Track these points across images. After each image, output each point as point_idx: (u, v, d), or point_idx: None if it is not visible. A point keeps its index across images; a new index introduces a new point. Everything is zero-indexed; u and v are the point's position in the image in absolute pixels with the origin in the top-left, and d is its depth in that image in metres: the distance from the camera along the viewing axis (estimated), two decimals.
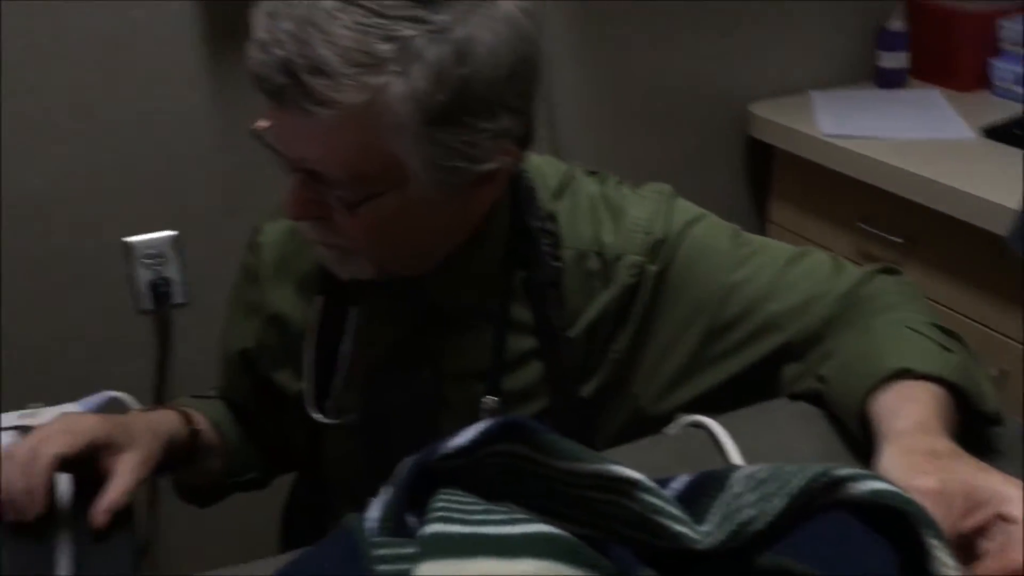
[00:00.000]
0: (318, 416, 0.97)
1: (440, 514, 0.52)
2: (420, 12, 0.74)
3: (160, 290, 1.58)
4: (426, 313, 0.94)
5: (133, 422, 0.93)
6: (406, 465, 0.55)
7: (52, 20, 1.40)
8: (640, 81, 1.81)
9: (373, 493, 1.01)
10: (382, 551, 0.51)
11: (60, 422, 0.88)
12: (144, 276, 1.58)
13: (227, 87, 1.54)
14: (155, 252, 1.58)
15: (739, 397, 0.92)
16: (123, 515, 0.90)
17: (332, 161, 0.78)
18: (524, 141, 0.84)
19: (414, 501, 0.55)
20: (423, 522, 0.52)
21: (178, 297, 1.60)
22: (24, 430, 1.03)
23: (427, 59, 0.74)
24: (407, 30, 0.73)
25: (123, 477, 0.86)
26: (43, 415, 1.09)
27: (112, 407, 1.10)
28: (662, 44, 1.81)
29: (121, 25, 1.44)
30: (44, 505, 0.84)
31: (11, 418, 1.08)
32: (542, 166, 0.94)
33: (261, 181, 1.60)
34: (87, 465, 0.87)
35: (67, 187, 1.48)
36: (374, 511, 0.54)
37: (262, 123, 0.83)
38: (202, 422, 1.04)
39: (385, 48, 0.73)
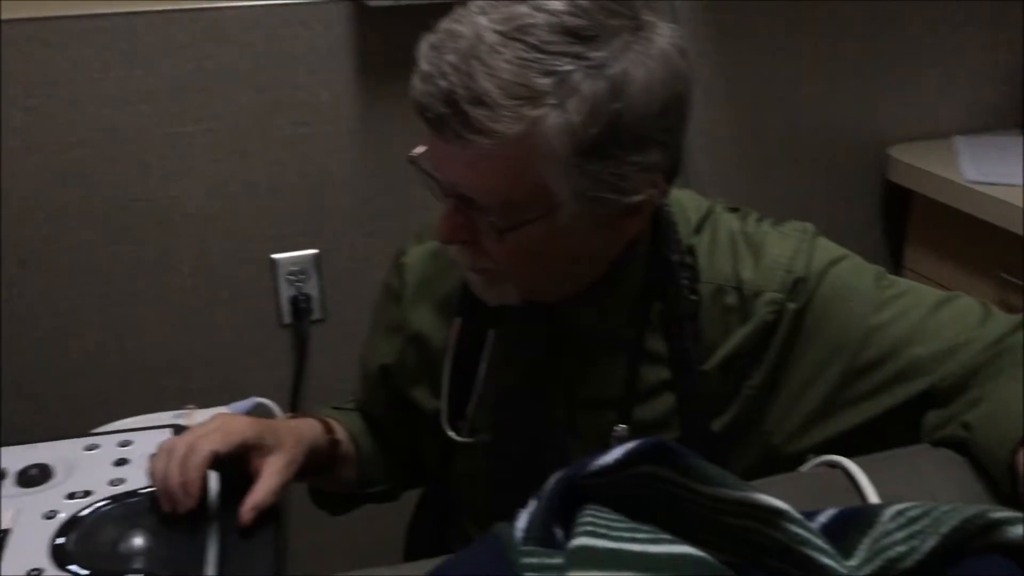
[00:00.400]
0: (451, 434, 1.01)
1: (587, 528, 0.54)
2: (578, 48, 0.77)
3: (300, 305, 1.66)
4: (561, 340, 0.96)
5: (280, 427, 0.98)
6: (554, 480, 0.57)
7: (217, 48, 1.49)
8: (778, 120, 1.81)
9: (499, 511, 1.03)
10: (530, 559, 0.53)
11: (216, 422, 0.94)
12: (287, 292, 1.65)
13: (373, 116, 1.61)
14: (298, 269, 1.65)
15: (874, 441, 0.90)
16: (268, 515, 0.95)
17: (485, 187, 0.81)
18: (670, 175, 0.86)
19: (559, 515, 0.57)
20: (570, 535, 0.54)
21: (316, 313, 1.67)
22: (178, 429, 1.10)
23: (583, 93, 0.77)
24: (566, 65, 0.76)
25: (270, 478, 0.91)
26: (196, 416, 1.16)
27: (259, 412, 1.17)
28: (802, 84, 1.80)
29: (282, 55, 1.52)
30: (197, 498, 0.90)
31: (166, 417, 1.15)
32: (683, 200, 0.96)
33: (398, 206, 1.67)
34: (236, 465, 0.93)
35: (222, 204, 1.58)
36: (521, 522, 0.57)
37: (419, 150, 0.87)
38: (341, 432, 1.08)
39: (544, 82, 0.76)
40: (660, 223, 0.92)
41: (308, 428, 1.02)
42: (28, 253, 1.50)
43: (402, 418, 1.11)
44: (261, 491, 0.91)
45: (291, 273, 1.65)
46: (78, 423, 1.56)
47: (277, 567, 0.91)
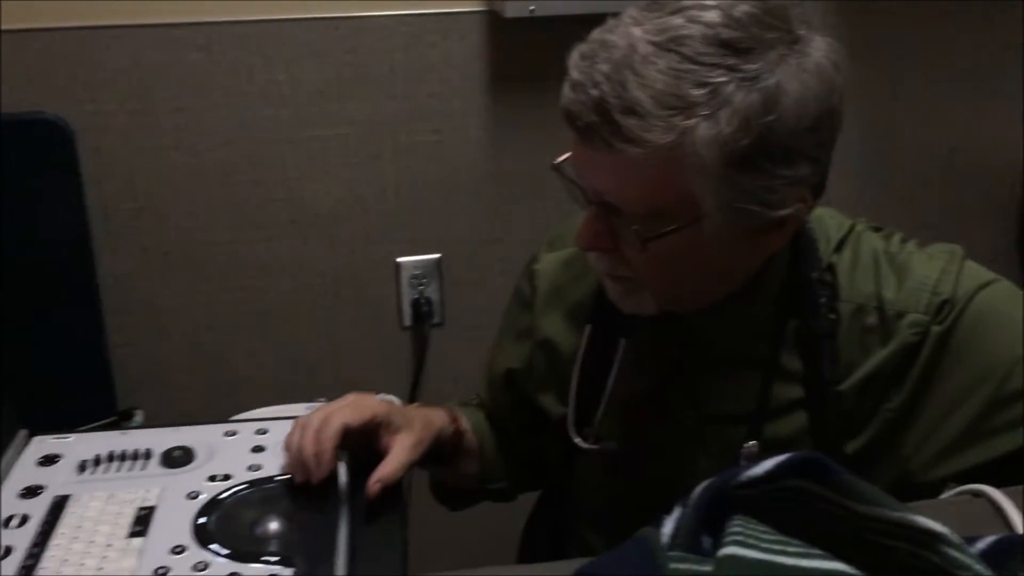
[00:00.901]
0: (578, 440, 1.01)
1: (737, 537, 0.54)
2: (733, 60, 0.77)
3: (421, 309, 1.69)
4: (692, 352, 0.96)
5: (410, 410, 1.01)
6: (702, 487, 0.57)
7: (356, 56, 1.54)
8: (914, 139, 1.77)
9: (619, 520, 1.03)
10: (679, 565, 0.53)
11: (348, 398, 0.97)
12: (409, 295, 1.69)
13: (503, 126, 1.64)
14: (420, 273, 1.69)
15: (1011, 476, 0.87)
16: (395, 503, 0.97)
17: (631, 196, 0.82)
18: (818, 190, 0.85)
19: (705, 523, 0.57)
20: (718, 543, 0.54)
21: (436, 317, 1.71)
22: None
23: (735, 105, 0.77)
24: (719, 77, 0.77)
25: (398, 454, 0.94)
26: None
27: None
28: (939, 102, 1.75)
29: (417, 64, 1.56)
30: (328, 469, 0.93)
31: (300, 409, 1.19)
32: (824, 217, 0.95)
33: (522, 215, 1.69)
34: (366, 441, 0.96)
35: (352, 207, 1.62)
36: (667, 527, 0.57)
37: (563, 157, 0.88)
38: (467, 425, 1.11)
39: (697, 93, 0.77)
40: (800, 239, 0.91)
41: (435, 415, 1.05)
42: (170, 246, 1.57)
43: (526, 422, 1.12)
44: (389, 466, 0.93)
45: (414, 277, 1.69)
46: (209, 411, 1.63)
47: (404, 555, 0.93)
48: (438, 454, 1.03)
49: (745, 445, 0.93)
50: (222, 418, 1.26)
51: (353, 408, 0.94)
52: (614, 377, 0.99)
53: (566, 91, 0.83)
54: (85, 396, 1.50)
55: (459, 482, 1.14)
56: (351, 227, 1.63)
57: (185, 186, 1.54)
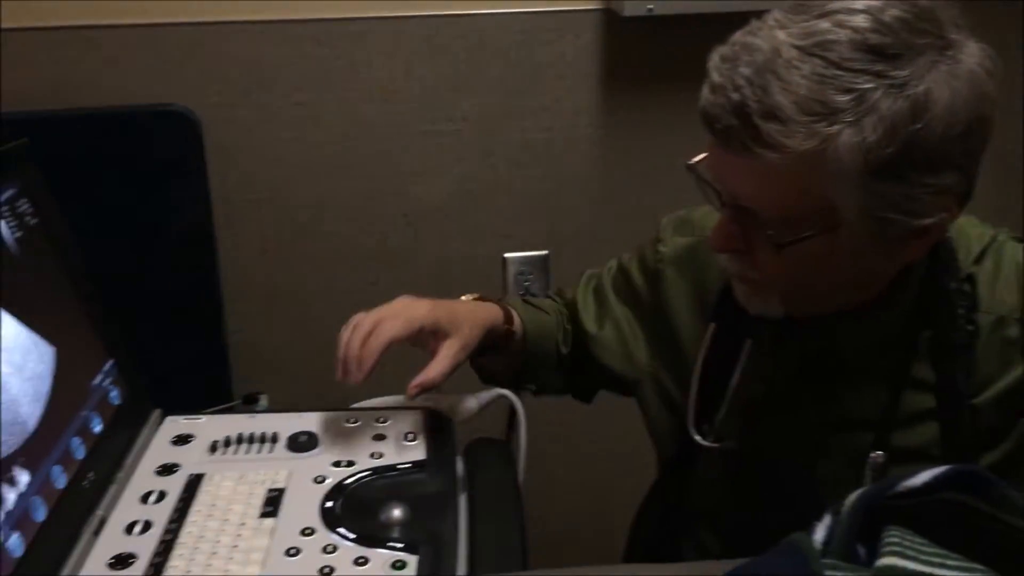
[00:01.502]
0: (697, 438, 1.01)
1: (895, 548, 0.53)
2: (881, 67, 0.76)
3: None
4: (820, 357, 0.95)
5: (460, 310, 1.05)
6: (857, 495, 0.57)
7: (472, 53, 1.56)
8: None
9: (736, 521, 1.03)
10: (835, 572, 0.53)
11: (398, 305, 1.03)
12: (515, 290, 1.71)
13: (614, 124, 1.64)
14: (527, 269, 1.70)
15: None
16: (516, 495, 1.00)
17: (768, 201, 0.81)
18: (963, 199, 0.83)
19: (858, 532, 0.57)
20: (872, 553, 0.54)
21: None
22: (429, 412, 1.15)
23: (881, 112, 0.75)
24: (866, 83, 0.76)
25: (442, 361, 1.01)
26: (443, 401, 1.21)
27: (500, 403, 1.21)
28: None
29: (532, 61, 1.58)
30: (366, 374, 1.00)
31: (418, 400, 1.21)
32: (965, 227, 0.93)
33: (631, 213, 1.68)
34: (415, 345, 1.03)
35: (462, 202, 1.64)
36: (819, 534, 0.57)
37: (698, 158, 0.88)
38: (519, 327, 1.13)
39: (842, 99, 0.76)
40: (939, 248, 0.89)
41: (487, 314, 1.09)
42: (287, 237, 1.61)
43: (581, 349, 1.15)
44: (432, 371, 1.01)
45: (520, 272, 1.70)
46: (321, 397, 1.67)
47: (524, 547, 0.95)
48: (486, 347, 1.08)
49: (871, 455, 0.92)
50: (335, 404, 1.29)
51: (403, 320, 1.00)
52: (738, 376, 0.98)
53: (705, 93, 0.82)
54: (204, 380, 1.56)
55: (502, 369, 1.17)
56: (461, 222, 1.65)
57: (303, 178, 1.59)
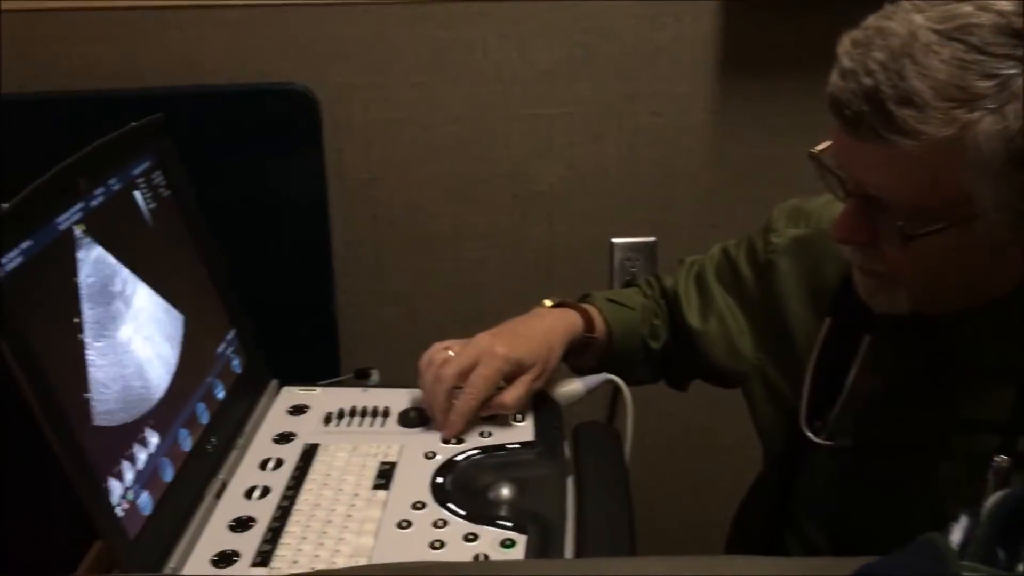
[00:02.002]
0: (810, 435, 0.99)
1: None
2: None
3: None
4: (945, 355, 0.92)
5: (537, 336, 1.07)
6: (998, 497, 0.55)
7: (588, 37, 1.55)
8: None
9: (848, 519, 1.01)
10: (974, 575, 0.52)
11: (476, 352, 1.04)
12: (620, 276, 1.70)
13: (728, 110, 1.61)
14: (633, 255, 1.69)
15: None
16: (625, 479, 1.01)
17: (899, 191, 0.79)
18: None
19: (999, 535, 0.55)
20: (1013, 558, 0.52)
21: None
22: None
23: None
24: (1009, 69, 0.73)
25: (519, 387, 1.04)
26: (550, 383, 1.22)
27: (606, 387, 1.21)
28: None
29: (647, 46, 1.56)
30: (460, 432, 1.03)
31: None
32: None
33: (741, 201, 1.66)
34: None
35: (571, 186, 1.64)
36: (955, 535, 0.55)
37: (822, 146, 0.86)
38: (601, 331, 1.14)
39: (983, 85, 0.73)
40: None
41: (566, 325, 1.10)
42: (397, 215, 1.64)
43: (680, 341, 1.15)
44: (508, 398, 1.03)
45: (627, 258, 1.69)
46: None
47: (632, 533, 0.95)
48: (566, 354, 1.10)
49: (995, 458, 0.89)
50: None
51: (484, 380, 1.02)
52: (855, 372, 0.96)
53: (835, 78, 0.80)
54: (314, 353, 1.60)
55: (584, 365, 1.17)
56: (569, 205, 1.65)
57: (415, 158, 1.61)
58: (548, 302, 1.17)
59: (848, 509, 1.01)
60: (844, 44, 0.81)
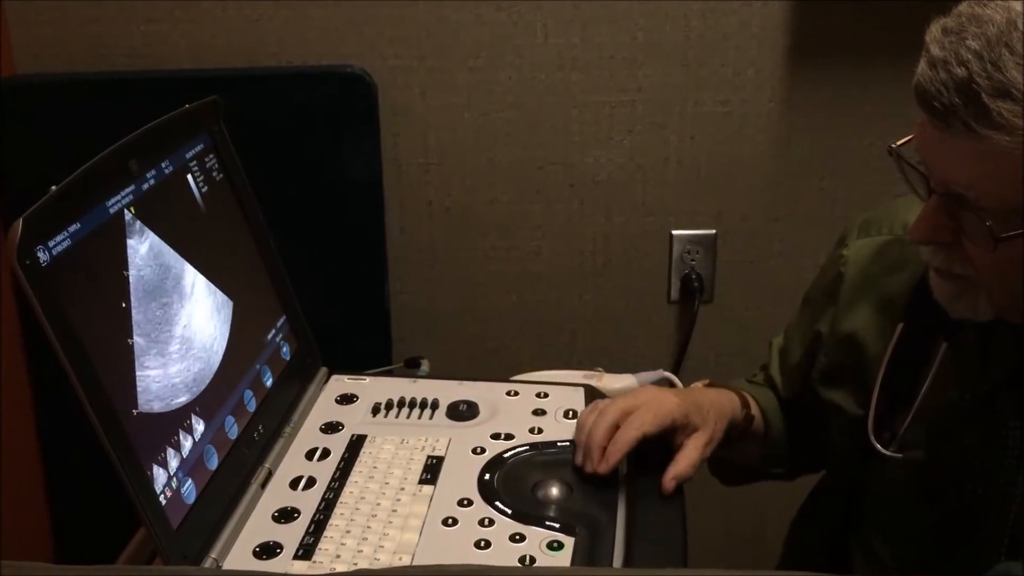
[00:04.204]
0: (878, 447, 0.95)
1: None
2: None
3: (691, 284, 1.65)
4: None
5: (704, 402, 0.99)
6: None
7: (652, 22, 1.50)
8: None
9: (917, 533, 0.96)
10: None
11: (646, 396, 0.97)
12: (680, 269, 1.65)
13: (795, 100, 1.55)
14: (693, 247, 1.64)
15: None
16: (678, 486, 0.96)
17: (990, 189, 0.74)
18: None
19: None
20: None
21: (705, 293, 1.66)
22: (589, 390, 1.13)
23: None
24: None
25: (693, 452, 0.96)
26: (605, 379, 1.19)
27: (662, 384, 1.17)
28: None
29: (714, 32, 1.51)
30: (612, 468, 0.93)
31: (578, 376, 1.19)
32: None
33: (807, 194, 1.60)
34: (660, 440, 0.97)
35: (631, 175, 1.60)
36: None
37: (905, 139, 0.81)
38: (756, 409, 1.08)
39: None
40: None
41: (728, 402, 1.04)
42: (453, 202, 1.61)
43: (814, 409, 1.07)
44: (684, 464, 0.95)
45: (687, 251, 1.64)
46: (475, 364, 1.68)
47: (684, 542, 0.91)
48: (726, 437, 1.02)
49: None
50: (491, 372, 1.27)
51: (653, 414, 0.95)
52: (929, 381, 0.91)
53: (923, 68, 0.75)
54: (365, 341, 1.58)
55: (739, 460, 1.12)
56: (628, 195, 1.61)
57: (472, 144, 1.58)
58: (698, 384, 1.13)
59: (916, 524, 0.96)
60: (933, 32, 0.76)
